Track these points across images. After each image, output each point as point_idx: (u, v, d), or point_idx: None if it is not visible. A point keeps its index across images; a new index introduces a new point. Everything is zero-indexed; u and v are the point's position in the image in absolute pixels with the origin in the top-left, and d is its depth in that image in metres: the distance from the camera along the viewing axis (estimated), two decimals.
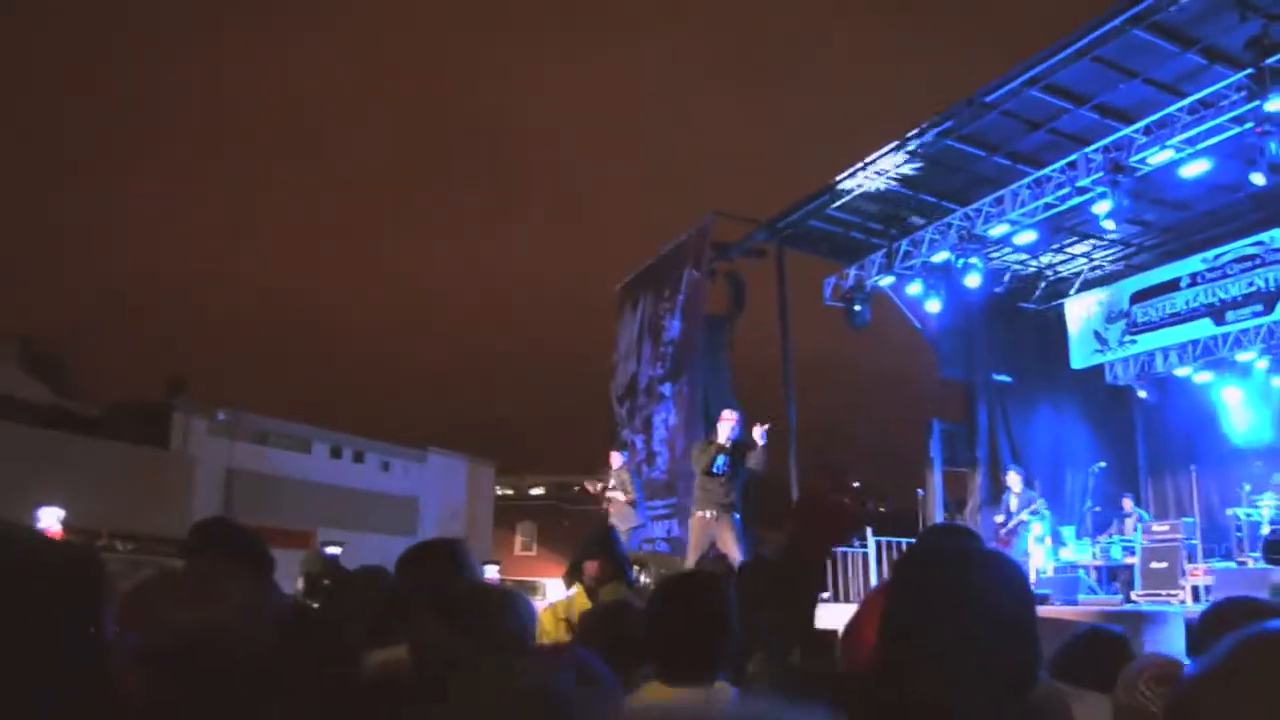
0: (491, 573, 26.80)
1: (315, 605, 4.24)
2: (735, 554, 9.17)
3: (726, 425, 9.65)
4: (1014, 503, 13.58)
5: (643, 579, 8.20)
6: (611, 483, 12.15)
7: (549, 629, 4.81)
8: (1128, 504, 14.08)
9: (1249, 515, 12.56)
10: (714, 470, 9.52)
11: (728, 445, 9.53)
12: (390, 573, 3.24)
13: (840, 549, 10.65)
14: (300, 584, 4.77)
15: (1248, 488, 12.82)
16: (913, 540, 10.48)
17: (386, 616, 2.73)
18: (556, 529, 41.89)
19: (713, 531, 9.53)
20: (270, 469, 32.02)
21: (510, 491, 46.60)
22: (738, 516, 9.60)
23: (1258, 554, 11.68)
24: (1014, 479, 13.81)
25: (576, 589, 5.06)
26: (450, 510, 37.25)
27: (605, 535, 5.54)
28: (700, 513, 9.64)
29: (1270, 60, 9.82)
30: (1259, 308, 13.71)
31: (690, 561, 9.42)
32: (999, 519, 13.66)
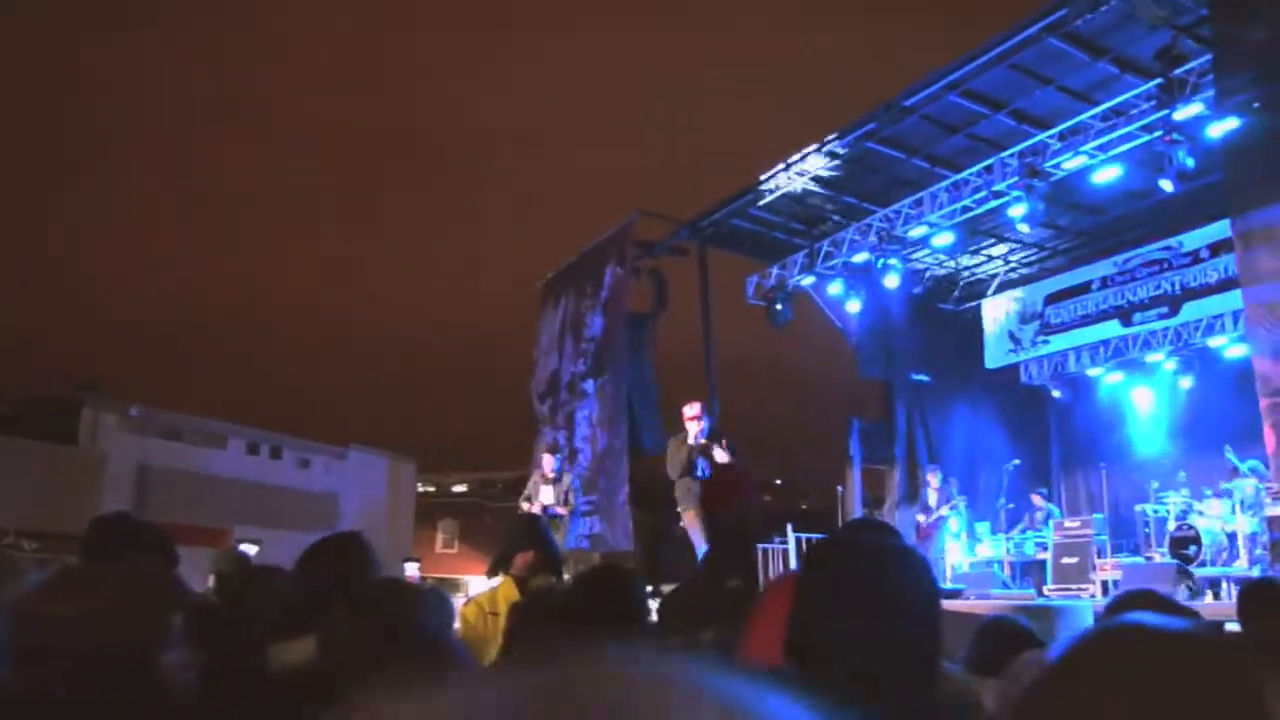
0: (412, 570, 26.53)
1: (223, 603, 4.15)
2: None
3: (695, 424, 9.39)
4: (933, 499, 13.80)
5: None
6: (540, 489, 11.73)
7: (473, 622, 4.75)
8: (1039, 500, 14.37)
9: (1156, 512, 12.89)
10: (696, 475, 9.20)
11: (699, 445, 9.26)
12: (286, 571, 3.20)
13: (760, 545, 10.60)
14: (211, 582, 4.67)
15: (1155, 485, 13.15)
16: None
17: (297, 613, 2.68)
18: (478, 526, 41.61)
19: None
20: (184, 465, 31.35)
21: (432, 489, 46.23)
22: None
23: (1164, 549, 12.01)
24: (934, 477, 14.04)
25: (502, 581, 5.00)
26: (371, 507, 36.79)
27: (535, 526, 5.51)
28: (690, 511, 9.30)
29: (1178, 71, 10.09)
30: (1164, 310, 14.12)
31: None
32: (920, 517, 13.86)
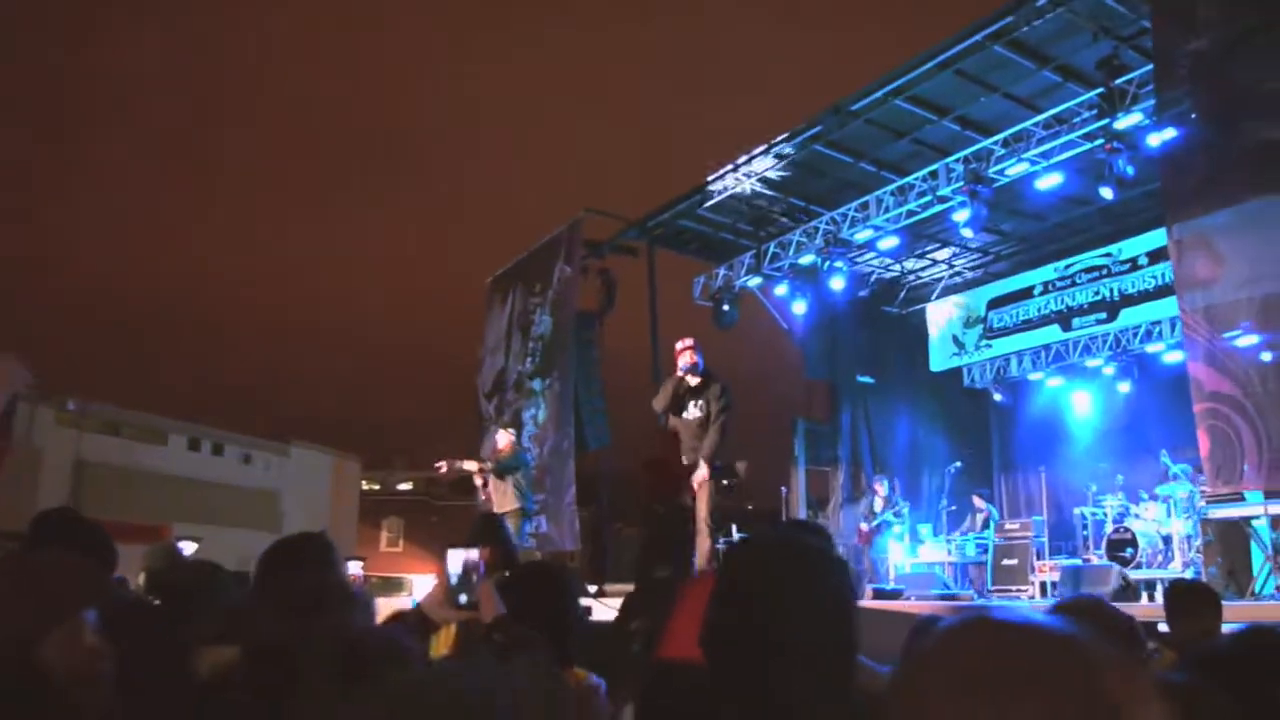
0: (355, 569, 26.30)
1: (156, 602, 4.09)
2: (704, 510, 8.28)
3: (685, 356, 8.60)
4: (878, 503, 13.92)
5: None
6: (490, 466, 11.50)
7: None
8: (979, 501, 14.55)
9: (1094, 514, 13.10)
10: (683, 417, 8.55)
11: (691, 382, 8.55)
12: (224, 569, 3.16)
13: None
14: (141, 579, 4.58)
15: (1094, 488, 13.37)
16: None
17: (234, 615, 2.65)
18: (424, 525, 41.39)
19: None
20: (123, 461, 30.87)
21: (377, 487, 45.91)
22: (719, 465, 8.57)
23: (1101, 551, 12.22)
24: (880, 485, 14.17)
25: (445, 629, 4.96)
26: (314, 505, 36.46)
27: (494, 523, 5.48)
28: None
29: (1119, 81, 10.26)
30: (1103, 315, 14.39)
31: (702, 515, 8.37)
32: (862, 525, 13.97)
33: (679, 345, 8.75)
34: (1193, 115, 8.77)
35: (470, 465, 11.57)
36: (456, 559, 2.60)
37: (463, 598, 2.59)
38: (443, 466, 11.76)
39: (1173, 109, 9.63)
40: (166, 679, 2.12)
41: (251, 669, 2.13)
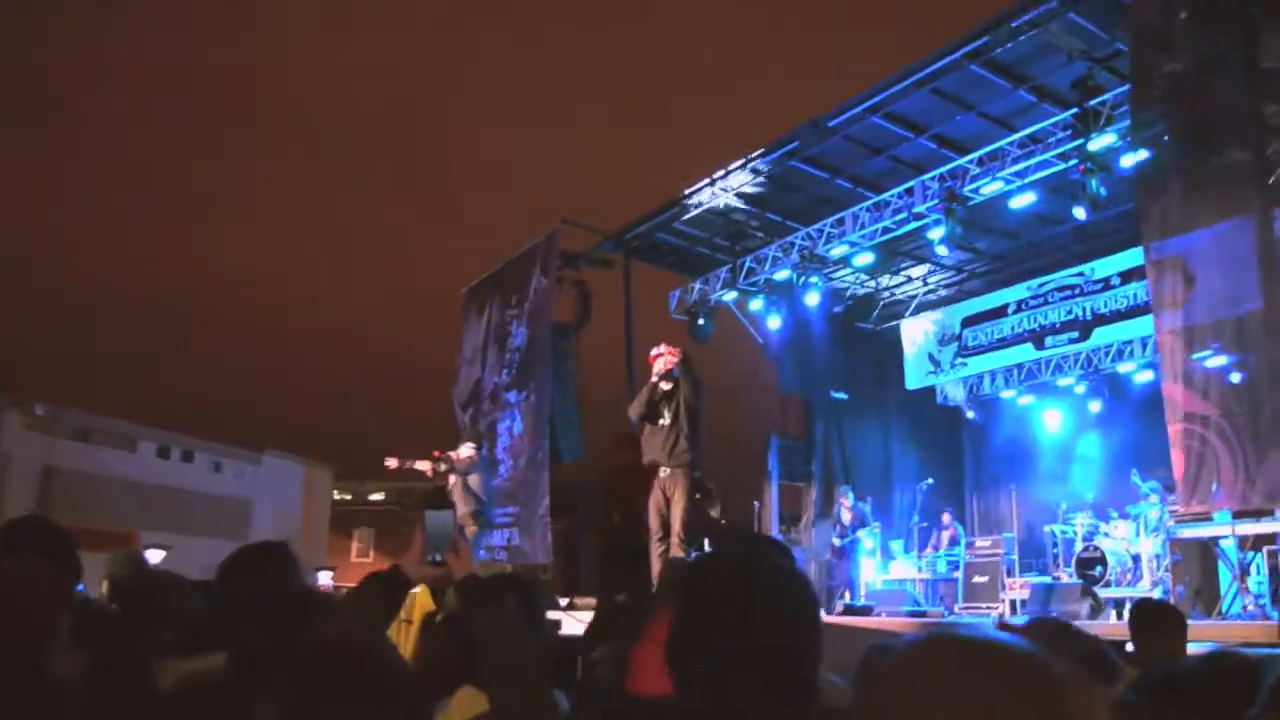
0: (326, 579, 26.13)
1: (119, 608, 4.04)
2: (678, 519, 8.34)
3: (660, 362, 8.69)
4: (845, 515, 13.96)
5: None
6: (444, 469, 11.59)
7: (388, 630, 4.69)
8: (946, 518, 14.61)
9: (1064, 532, 13.18)
10: (658, 424, 8.56)
11: (662, 389, 8.60)
12: (185, 580, 3.12)
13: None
14: (104, 587, 4.52)
15: (1064, 506, 13.45)
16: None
17: (207, 624, 2.63)
18: (395, 535, 41.18)
19: (667, 491, 8.50)
20: (92, 468, 30.56)
21: (349, 496, 45.67)
22: (698, 475, 8.61)
23: (1071, 569, 12.28)
24: (846, 499, 14.21)
25: (420, 589, 4.95)
26: (285, 514, 36.22)
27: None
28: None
29: (1093, 102, 10.35)
30: (1075, 334, 14.48)
31: (653, 526, 8.43)
32: (835, 540, 14.00)
33: (655, 350, 8.86)
34: (1165, 137, 8.86)
35: (422, 465, 11.62)
36: (433, 519, 2.62)
37: (436, 556, 2.61)
38: (393, 463, 11.78)
39: (1148, 130, 9.75)
40: (130, 688, 2.10)
41: (235, 678, 2.11)
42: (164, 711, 2.18)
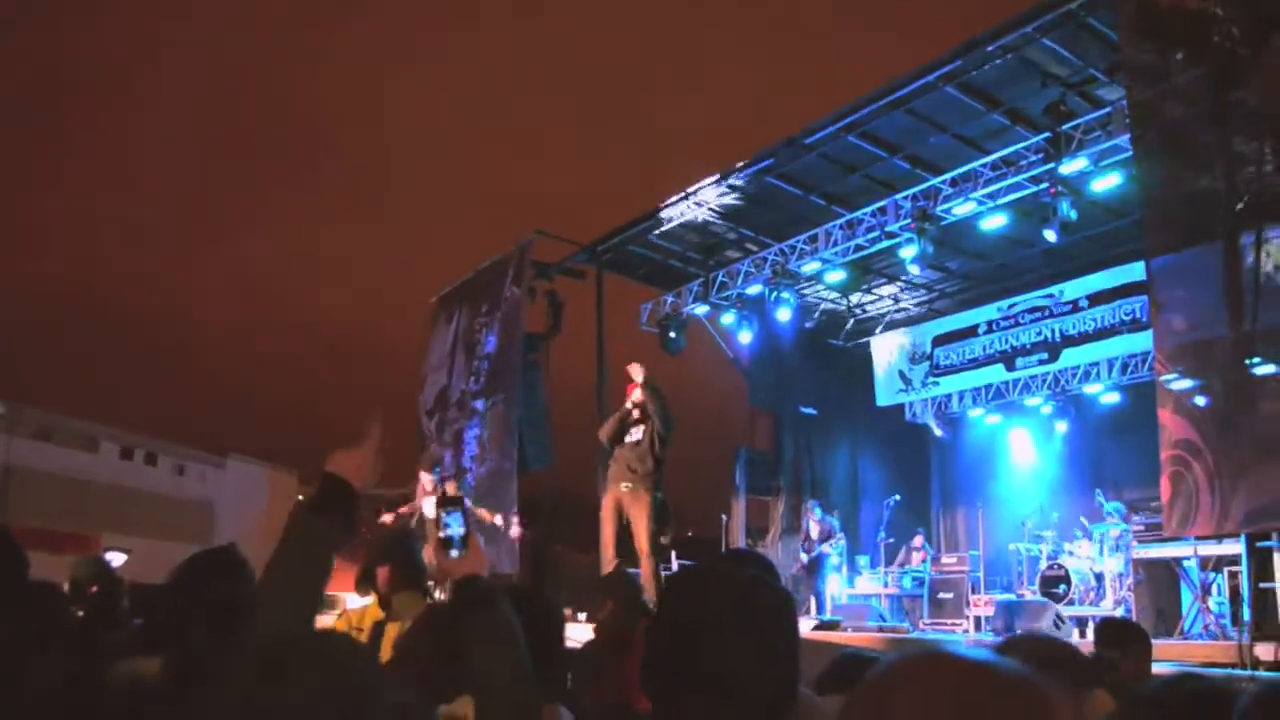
0: None
1: (79, 613, 4.00)
2: (644, 541, 8.49)
3: (639, 392, 8.83)
4: (815, 532, 13.99)
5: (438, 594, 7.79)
6: (419, 503, 11.64)
7: None
8: (919, 540, 14.67)
9: (1029, 550, 13.26)
10: (624, 443, 8.79)
11: (633, 411, 8.85)
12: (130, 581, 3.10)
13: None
14: (65, 589, 4.48)
15: (1029, 524, 13.53)
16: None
17: (157, 627, 2.62)
18: (360, 542, 40.85)
19: (627, 510, 8.71)
20: (52, 467, 30.18)
21: None
22: (659, 496, 8.73)
23: (1034, 587, 12.36)
24: (811, 508, 14.26)
25: (373, 598, 4.91)
26: (249, 519, 35.88)
27: (397, 541, 5.38)
28: (613, 488, 8.83)
29: (1065, 126, 10.47)
30: (1044, 356, 14.60)
31: (606, 553, 8.75)
32: (802, 554, 14.03)
33: (632, 380, 8.92)
34: (1138, 162, 8.96)
35: (386, 517, 11.53)
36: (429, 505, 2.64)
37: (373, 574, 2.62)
38: (389, 518, 11.72)
39: (1117, 156, 9.89)
40: (81, 688, 2.09)
41: (170, 679, 2.10)
42: (109, 712, 2.17)
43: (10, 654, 2.23)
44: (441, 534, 2.51)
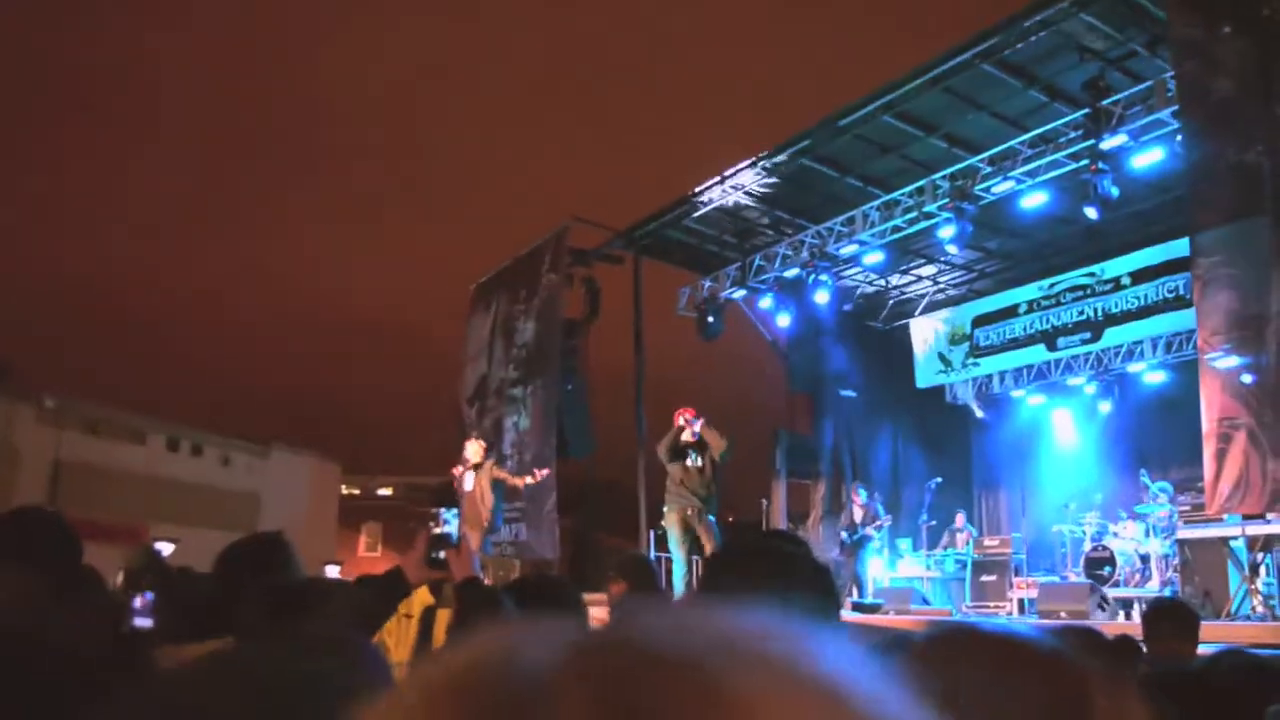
0: (333, 573, 26.14)
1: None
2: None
3: (687, 421, 9.96)
4: (857, 513, 13.93)
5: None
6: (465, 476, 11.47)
7: (388, 625, 4.68)
8: (960, 520, 14.58)
9: (1072, 532, 13.14)
10: (686, 463, 9.88)
11: (689, 438, 9.90)
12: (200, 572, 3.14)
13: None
14: (120, 579, 4.57)
15: (1072, 506, 13.41)
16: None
17: (212, 612, 2.64)
18: (403, 530, 41.18)
19: (694, 527, 9.83)
20: (101, 460, 30.61)
21: (357, 491, 45.71)
22: (712, 519, 9.90)
23: (1079, 569, 12.26)
24: (858, 495, 14.19)
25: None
26: (293, 508, 36.25)
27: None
28: (674, 513, 9.94)
29: (1105, 102, 10.33)
30: (1087, 335, 14.44)
31: (679, 553, 9.86)
32: (843, 534, 13.99)
33: (679, 419, 10.06)
34: (1179, 138, 8.84)
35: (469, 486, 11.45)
36: (438, 518, 2.68)
37: (440, 554, 2.67)
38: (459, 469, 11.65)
39: (1158, 131, 9.75)
40: (136, 674, 2.11)
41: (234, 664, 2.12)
42: (162, 693, 2.19)
43: (34, 606, 2.27)
44: (436, 530, 2.57)
